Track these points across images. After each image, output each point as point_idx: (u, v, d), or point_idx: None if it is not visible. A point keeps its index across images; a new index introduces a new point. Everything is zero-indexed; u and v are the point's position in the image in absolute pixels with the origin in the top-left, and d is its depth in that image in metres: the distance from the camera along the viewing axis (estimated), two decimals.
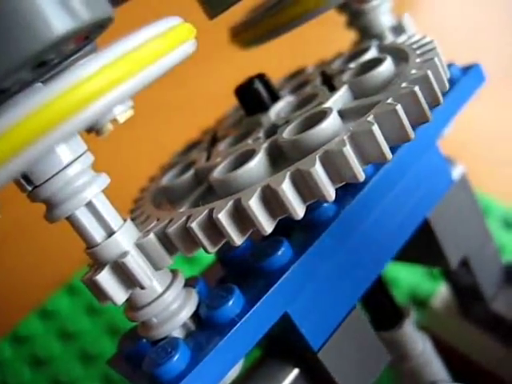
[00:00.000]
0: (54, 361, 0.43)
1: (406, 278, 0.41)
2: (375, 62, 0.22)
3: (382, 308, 0.29)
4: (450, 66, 0.26)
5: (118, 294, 0.18)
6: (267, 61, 0.41)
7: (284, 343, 0.23)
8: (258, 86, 0.24)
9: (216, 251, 0.18)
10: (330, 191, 0.17)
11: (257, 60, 0.38)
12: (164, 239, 0.18)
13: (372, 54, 0.25)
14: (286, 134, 0.20)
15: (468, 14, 0.65)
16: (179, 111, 0.61)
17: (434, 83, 0.18)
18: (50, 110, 0.13)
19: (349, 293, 0.22)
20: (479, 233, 0.28)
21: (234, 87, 0.25)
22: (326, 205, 0.21)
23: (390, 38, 0.28)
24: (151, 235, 0.18)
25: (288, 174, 0.17)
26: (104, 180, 0.18)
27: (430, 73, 0.18)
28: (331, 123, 0.18)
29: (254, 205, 0.17)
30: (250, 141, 0.22)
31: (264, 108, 0.24)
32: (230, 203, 0.17)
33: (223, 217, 0.17)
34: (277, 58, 0.48)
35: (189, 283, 0.21)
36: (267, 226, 0.17)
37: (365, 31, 0.29)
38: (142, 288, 0.18)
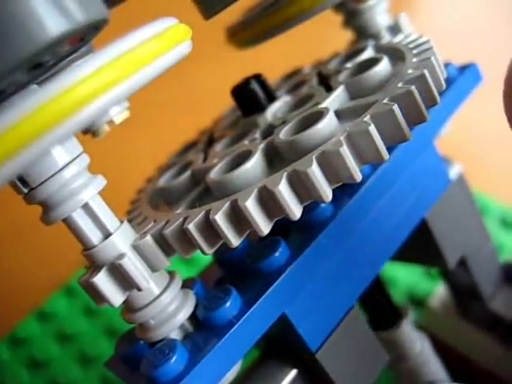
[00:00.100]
0: (52, 363, 0.42)
1: (404, 277, 0.41)
2: (372, 62, 0.22)
3: (380, 308, 0.29)
4: (446, 65, 0.26)
5: (115, 296, 0.18)
6: (264, 61, 0.41)
7: (282, 344, 0.23)
8: (255, 86, 0.24)
9: (213, 252, 0.18)
10: (326, 192, 0.16)
11: (253, 60, 0.38)
12: (161, 241, 0.18)
13: (368, 53, 0.25)
14: (283, 134, 0.20)
15: (465, 13, 0.65)
16: (176, 111, 0.61)
17: (430, 83, 0.18)
18: (46, 112, 0.13)
19: (347, 293, 0.22)
20: (477, 232, 0.29)
21: (231, 87, 0.25)
22: (323, 205, 0.21)
23: (386, 38, 0.28)
24: (148, 237, 0.18)
25: (285, 174, 0.17)
26: (100, 182, 0.18)
27: (426, 72, 0.18)
28: (328, 123, 0.18)
29: (251, 206, 0.17)
30: (246, 141, 0.22)
31: (260, 108, 0.24)
32: (227, 204, 0.17)
33: (220, 218, 0.17)
34: (273, 58, 0.48)
35: (186, 284, 0.21)
36: (264, 227, 0.17)
37: (361, 31, 0.29)
38: (140, 290, 0.18)
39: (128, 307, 0.19)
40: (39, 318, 0.46)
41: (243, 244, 0.21)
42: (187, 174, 0.23)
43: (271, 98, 0.25)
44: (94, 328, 0.44)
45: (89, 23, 0.14)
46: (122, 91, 0.14)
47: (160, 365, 0.18)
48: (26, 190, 0.17)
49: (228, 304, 0.19)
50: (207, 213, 0.17)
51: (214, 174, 0.20)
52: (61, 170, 0.17)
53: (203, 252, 0.18)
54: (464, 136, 0.44)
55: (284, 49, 0.48)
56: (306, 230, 0.21)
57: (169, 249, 0.18)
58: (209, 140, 0.28)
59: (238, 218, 0.17)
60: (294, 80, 0.28)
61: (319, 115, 0.19)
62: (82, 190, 0.17)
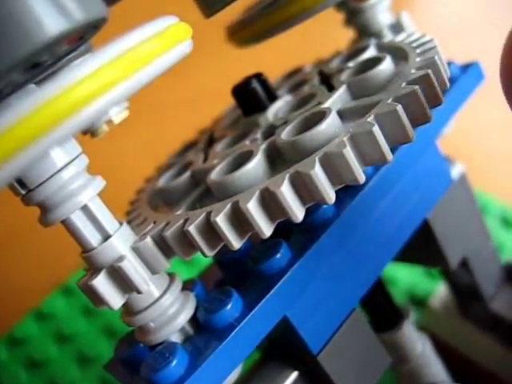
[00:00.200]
0: (51, 363, 0.42)
1: (405, 277, 0.41)
2: (374, 61, 0.21)
3: (381, 309, 0.29)
4: (449, 64, 0.26)
5: (115, 298, 0.18)
6: (264, 60, 0.41)
7: (283, 346, 0.23)
8: (256, 85, 0.24)
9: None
10: (329, 194, 0.16)
11: (254, 59, 0.38)
12: (161, 243, 0.18)
13: (371, 52, 0.25)
14: (285, 135, 0.19)
15: (466, 12, 0.65)
16: (176, 111, 0.60)
17: (434, 83, 0.17)
18: (44, 113, 0.12)
19: (349, 295, 0.22)
20: (479, 233, 0.28)
21: (232, 86, 0.25)
22: (325, 206, 0.21)
23: (388, 37, 0.28)
24: (148, 239, 0.18)
25: (287, 176, 0.16)
26: (99, 183, 0.18)
27: (430, 72, 0.17)
28: (330, 124, 0.18)
29: (253, 208, 0.16)
30: (247, 142, 0.22)
31: (262, 108, 0.24)
32: (228, 206, 0.17)
33: (221, 220, 0.17)
34: (274, 57, 0.48)
35: (186, 286, 0.21)
36: (266, 229, 0.17)
37: (363, 29, 0.28)
38: (139, 292, 0.18)
39: (127, 310, 0.19)
40: (37, 318, 0.45)
41: (244, 245, 0.21)
42: (187, 174, 0.23)
43: (272, 97, 0.24)
44: (93, 328, 0.44)
45: (88, 22, 0.14)
46: (122, 92, 0.13)
47: (160, 368, 0.18)
48: (23, 192, 0.17)
49: (229, 306, 0.19)
50: (208, 214, 0.17)
51: (214, 175, 0.20)
52: (59, 171, 0.17)
53: (204, 254, 0.17)
54: (465, 136, 0.44)
55: (285, 47, 0.48)
56: (308, 231, 0.21)
57: (169, 251, 0.18)
58: (209, 140, 0.27)
59: (240, 220, 0.17)
60: (295, 79, 0.28)
61: (322, 115, 0.19)
62: (81, 191, 0.17)
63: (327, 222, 0.21)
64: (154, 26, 0.15)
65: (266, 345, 0.23)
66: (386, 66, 0.21)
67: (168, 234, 0.18)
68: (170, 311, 0.19)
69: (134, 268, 0.17)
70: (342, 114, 0.19)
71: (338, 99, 0.21)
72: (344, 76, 0.22)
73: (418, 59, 0.20)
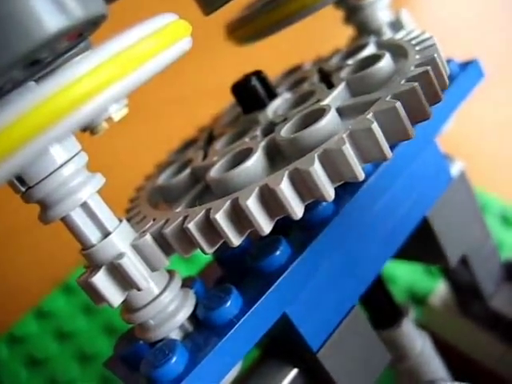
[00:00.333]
0: (51, 361, 0.42)
1: (404, 275, 0.41)
2: (374, 59, 0.21)
3: (381, 307, 0.29)
4: (448, 61, 0.26)
5: (114, 295, 0.18)
6: (264, 57, 0.41)
7: (283, 343, 0.23)
8: (255, 83, 0.24)
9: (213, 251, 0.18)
10: (329, 191, 0.16)
11: (253, 56, 0.38)
12: (160, 240, 0.18)
13: (370, 50, 0.25)
14: (284, 132, 0.19)
15: (466, 10, 0.65)
16: (175, 108, 0.60)
17: (434, 80, 0.17)
18: (44, 109, 0.12)
19: (348, 292, 0.22)
20: (478, 230, 0.28)
21: (231, 84, 0.25)
22: (324, 203, 0.21)
23: (388, 34, 0.28)
24: (147, 236, 0.18)
25: (286, 173, 0.16)
26: (99, 180, 0.18)
27: (430, 70, 0.17)
28: (330, 121, 0.18)
29: (252, 205, 0.16)
30: (247, 139, 0.22)
31: (261, 105, 0.24)
32: (228, 203, 0.17)
33: (220, 217, 0.17)
34: (274, 55, 0.48)
35: (186, 284, 0.21)
36: (265, 226, 0.17)
37: (362, 27, 0.28)
38: (139, 290, 0.18)
39: (127, 307, 0.19)
40: (37, 316, 0.46)
41: (244, 243, 0.21)
42: (187, 171, 0.23)
43: (272, 94, 0.24)
44: (93, 326, 0.44)
45: (87, 19, 0.14)
46: (122, 89, 0.13)
47: (160, 365, 0.18)
48: (23, 189, 0.17)
49: (228, 303, 0.19)
50: (207, 212, 0.17)
51: (214, 172, 0.20)
52: (59, 168, 0.17)
53: (203, 251, 0.18)
54: (464, 133, 0.44)
55: (284, 45, 0.48)
56: (307, 228, 0.21)
57: (168, 248, 0.18)
58: (209, 137, 0.27)
59: (239, 217, 0.17)
60: (294, 77, 0.28)
61: (321, 112, 0.19)
62: (81, 188, 0.17)
63: (326, 219, 0.21)
64: (153, 24, 0.15)
65: (265, 342, 0.23)
66: (386, 63, 0.21)
67: (167, 232, 0.18)
68: (169, 308, 0.19)
69: (133, 265, 0.17)
70: (341, 112, 0.19)
71: (337, 96, 0.21)
72: (343, 73, 0.22)
73: (417, 56, 0.20)
